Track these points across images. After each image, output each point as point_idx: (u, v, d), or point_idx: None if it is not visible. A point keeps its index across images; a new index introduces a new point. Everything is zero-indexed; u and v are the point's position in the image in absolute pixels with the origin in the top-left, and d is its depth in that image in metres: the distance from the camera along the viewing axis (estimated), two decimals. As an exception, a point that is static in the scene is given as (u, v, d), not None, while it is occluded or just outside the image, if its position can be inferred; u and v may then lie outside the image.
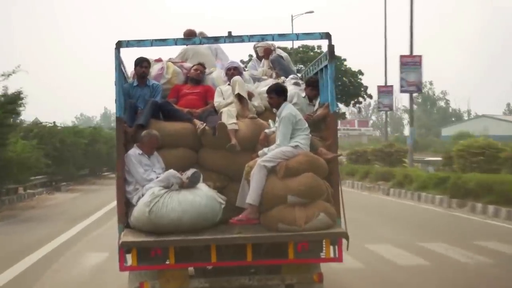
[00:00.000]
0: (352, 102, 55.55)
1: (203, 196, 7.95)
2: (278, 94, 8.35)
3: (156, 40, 8.24)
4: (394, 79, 44.05)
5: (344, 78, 52.59)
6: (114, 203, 9.82)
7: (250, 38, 8.35)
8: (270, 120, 9.02)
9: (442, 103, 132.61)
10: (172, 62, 9.77)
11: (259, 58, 10.93)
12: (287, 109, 8.28)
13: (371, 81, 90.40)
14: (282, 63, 10.11)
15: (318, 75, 9.20)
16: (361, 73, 54.18)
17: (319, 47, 51.79)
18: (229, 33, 8.46)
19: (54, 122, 42.11)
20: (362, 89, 54.62)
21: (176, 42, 8.24)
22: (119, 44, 8.18)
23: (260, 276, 8.23)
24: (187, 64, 9.78)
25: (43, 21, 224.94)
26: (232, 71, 9.41)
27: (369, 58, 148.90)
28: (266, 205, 8.00)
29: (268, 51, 10.50)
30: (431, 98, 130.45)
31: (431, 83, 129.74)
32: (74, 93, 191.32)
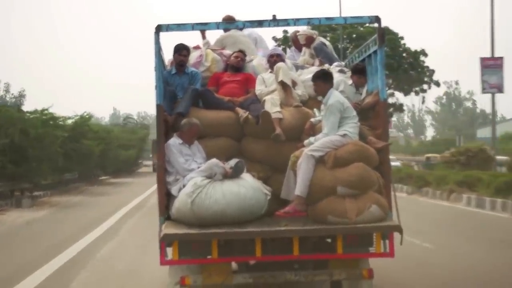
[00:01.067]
0: (415, 89, 44.78)
1: (248, 187, 7.55)
2: (324, 80, 7.94)
3: (197, 24, 7.88)
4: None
5: (402, 60, 42.20)
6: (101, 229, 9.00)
7: (295, 21, 7.94)
8: (315, 109, 8.62)
9: (468, 104, 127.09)
10: (211, 49, 9.38)
11: (298, 47, 10.52)
12: (334, 97, 7.87)
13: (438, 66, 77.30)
14: (326, 51, 9.69)
15: (365, 62, 8.77)
16: (424, 54, 43.07)
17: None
18: (274, 16, 8.08)
19: (18, 107, 33.24)
20: (428, 73, 43.42)
21: (218, 25, 7.85)
22: (159, 28, 7.80)
23: (307, 272, 7.84)
24: (227, 52, 9.40)
25: (39, 21, 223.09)
26: (275, 58, 9.02)
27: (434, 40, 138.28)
28: (314, 197, 7.58)
29: (310, 40, 10.08)
30: (457, 98, 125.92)
31: (457, 83, 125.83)
32: (81, 92, 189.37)
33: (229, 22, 7.97)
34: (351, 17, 7.97)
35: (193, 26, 7.88)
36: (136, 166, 70.58)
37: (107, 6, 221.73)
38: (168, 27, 7.81)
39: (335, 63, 9.41)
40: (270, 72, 8.97)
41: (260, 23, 7.96)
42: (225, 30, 9.86)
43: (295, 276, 7.78)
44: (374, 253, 7.83)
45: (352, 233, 7.44)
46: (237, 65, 9.13)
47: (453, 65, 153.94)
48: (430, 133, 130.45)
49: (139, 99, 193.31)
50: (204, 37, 9.68)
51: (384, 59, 7.91)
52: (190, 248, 7.56)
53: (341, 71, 9.07)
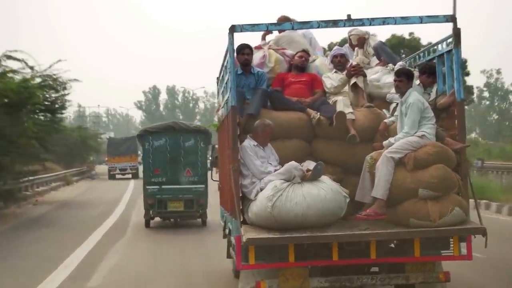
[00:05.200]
0: None
1: (327, 190, 7.45)
2: (408, 78, 7.85)
3: (271, 24, 7.76)
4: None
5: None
6: None
7: (371, 21, 7.83)
8: (384, 109, 8.53)
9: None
10: (274, 50, 9.26)
11: (352, 46, 10.40)
12: (414, 95, 7.78)
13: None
14: (387, 50, 9.58)
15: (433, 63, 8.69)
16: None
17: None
18: (348, 16, 7.97)
19: None
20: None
21: (292, 26, 7.73)
22: (233, 29, 7.69)
23: (383, 275, 7.75)
24: (289, 52, 9.26)
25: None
26: (339, 59, 8.92)
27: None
28: (395, 200, 7.50)
29: (362, 40, 9.92)
30: (500, 90, 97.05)
31: (498, 72, 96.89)
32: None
33: (302, 22, 7.84)
34: (427, 16, 7.84)
35: (267, 26, 7.78)
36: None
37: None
38: (243, 28, 7.70)
39: (399, 63, 9.29)
40: (335, 72, 8.85)
41: (335, 23, 7.85)
42: (280, 30, 9.77)
43: (372, 279, 7.72)
44: (452, 256, 7.74)
45: (443, 236, 7.37)
46: (301, 65, 9.00)
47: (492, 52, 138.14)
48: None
49: (107, 95, 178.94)
50: (264, 38, 9.55)
51: (460, 59, 7.79)
52: (267, 252, 7.48)
53: (407, 71, 8.94)
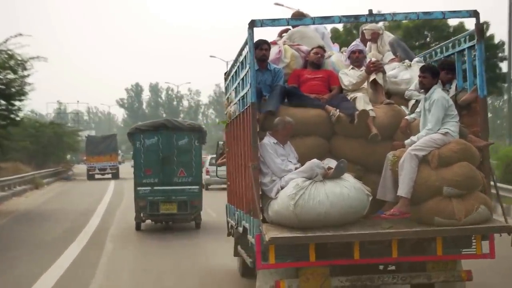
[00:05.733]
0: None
1: (350, 188, 7.31)
2: (433, 75, 7.71)
3: (291, 19, 7.61)
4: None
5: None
6: None
7: (393, 16, 7.71)
8: (403, 106, 8.40)
9: None
10: (289, 45, 9.10)
11: (365, 41, 10.25)
12: (439, 92, 7.66)
13: None
14: (403, 46, 9.45)
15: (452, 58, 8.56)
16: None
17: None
18: (370, 11, 7.80)
19: None
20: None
21: (313, 21, 7.58)
22: (253, 24, 7.51)
23: (405, 274, 7.61)
24: (304, 47, 9.11)
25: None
26: (357, 55, 8.77)
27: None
28: (418, 198, 7.37)
29: (375, 35, 9.81)
30: None
31: None
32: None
33: (323, 17, 7.68)
34: (449, 11, 7.72)
35: (288, 21, 7.61)
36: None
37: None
38: (263, 23, 7.54)
39: (416, 59, 9.19)
40: (352, 68, 8.71)
41: (356, 18, 7.71)
42: (294, 26, 9.62)
43: (393, 279, 7.60)
44: (474, 254, 7.63)
45: (465, 234, 7.28)
46: (317, 61, 8.85)
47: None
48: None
49: (87, 92, 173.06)
50: (281, 35, 9.39)
51: (483, 55, 7.67)
52: (287, 252, 7.33)
53: (424, 67, 8.82)
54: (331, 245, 7.43)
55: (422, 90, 8.10)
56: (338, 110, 8.02)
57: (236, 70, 8.93)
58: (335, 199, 7.20)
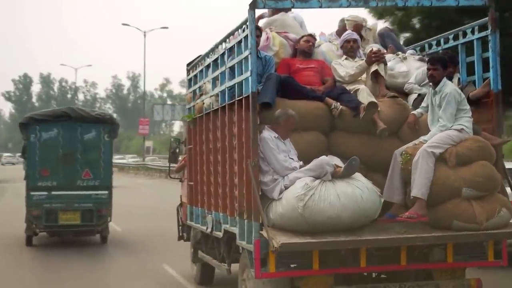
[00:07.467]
0: None
1: (363, 188, 6.62)
2: (443, 66, 7.10)
3: (297, 1, 6.83)
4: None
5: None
6: None
7: (405, 2, 7.10)
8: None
9: None
10: (276, 33, 8.34)
11: (340, 33, 9.60)
12: (450, 85, 7.08)
13: None
14: (394, 37, 8.86)
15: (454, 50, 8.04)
16: None
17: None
18: None
19: None
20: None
21: (321, 4, 6.84)
22: (254, 4, 6.72)
23: (412, 283, 7.02)
24: (292, 35, 8.38)
25: None
26: (351, 44, 8.10)
27: None
28: (434, 199, 6.75)
29: (358, 27, 9.10)
30: None
31: None
32: None
33: (330, 0, 6.96)
34: (463, -1, 7.19)
35: (293, 3, 6.85)
36: None
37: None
38: (266, 4, 6.77)
39: (409, 51, 8.63)
40: (346, 58, 8.04)
41: (366, 2, 7.07)
42: (273, 13, 8.88)
43: None
44: (485, 261, 7.12)
45: (488, 239, 6.76)
46: (308, 50, 8.14)
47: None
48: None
49: None
50: (257, 22, 8.59)
51: (498, 46, 7.15)
52: (287, 259, 6.61)
53: (421, 60, 8.26)
54: (335, 252, 6.74)
55: (424, 83, 7.55)
56: (339, 103, 7.33)
57: (217, 58, 8.09)
58: (348, 201, 6.49)
